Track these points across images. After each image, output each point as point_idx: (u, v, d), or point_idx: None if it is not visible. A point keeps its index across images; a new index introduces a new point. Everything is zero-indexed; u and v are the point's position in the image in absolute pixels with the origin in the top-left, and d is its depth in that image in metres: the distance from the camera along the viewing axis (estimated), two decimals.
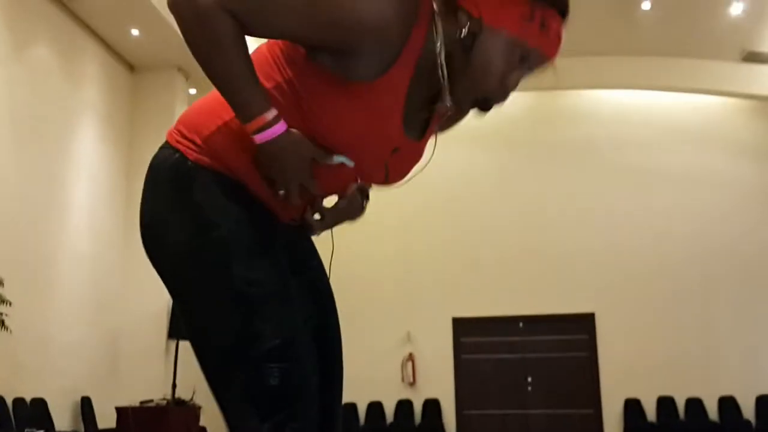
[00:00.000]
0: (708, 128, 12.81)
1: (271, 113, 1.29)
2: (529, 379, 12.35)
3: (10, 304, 7.20)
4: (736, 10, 11.50)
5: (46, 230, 9.06)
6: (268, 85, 1.35)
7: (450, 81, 1.38)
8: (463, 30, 1.34)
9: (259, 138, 1.30)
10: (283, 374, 1.28)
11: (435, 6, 1.36)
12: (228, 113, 1.36)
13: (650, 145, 12.82)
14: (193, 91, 11.87)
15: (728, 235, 12.44)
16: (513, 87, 1.43)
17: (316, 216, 1.53)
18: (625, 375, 12.27)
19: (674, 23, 12.14)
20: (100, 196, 10.37)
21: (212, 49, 1.25)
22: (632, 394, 12.32)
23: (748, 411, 12.05)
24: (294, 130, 1.32)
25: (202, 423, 11.53)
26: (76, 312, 9.52)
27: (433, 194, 13.60)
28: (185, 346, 10.64)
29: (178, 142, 1.43)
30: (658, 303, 12.28)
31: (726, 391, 12.15)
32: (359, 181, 1.51)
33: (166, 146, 1.46)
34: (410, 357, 13.07)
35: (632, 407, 12.28)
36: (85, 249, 9.89)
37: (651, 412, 12.30)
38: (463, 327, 13.00)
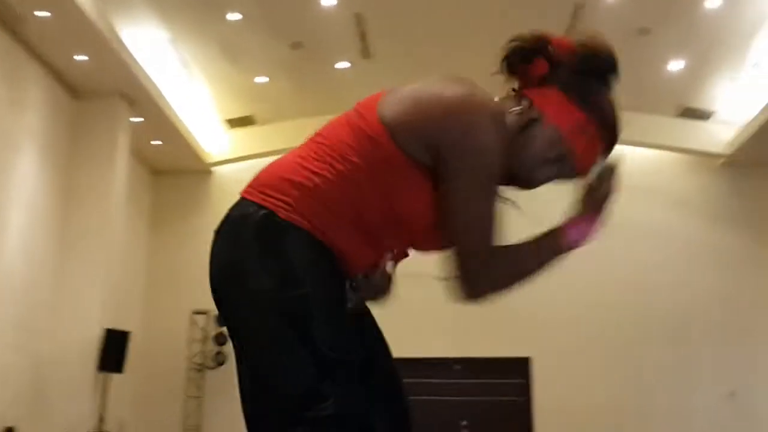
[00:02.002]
0: (644, 180, 13.13)
1: (564, 237, 1.60)
2: (464, 422, 12.33)
3: None
4: (675, 66, 11.92)
5: None
6: (346, 161, 1.53)
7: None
8: (522, 109, 1.52)
9: (574, 245, 1.63)
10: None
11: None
12: (315, 178, 1.51)
13: None
14: (137, 119, 11.74)
15: (662, 283, 12.71)
16: (537, 180, 1.59)
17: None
18: (559, 420, 12.34)
19: None
20: (37, 221, 10.11)
21: (517, 279, 1.54)
22: None
23: None
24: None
25: None
26: (2, 336, 9.20)
27: None
28: (116, 379, 10.39)
29: (264, 200, 1.52)
30: (593, 349, 12.44)
31: None
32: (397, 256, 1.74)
33: (248, 203, 1.55)
34: None
35: None
36: (18, 273, 9.60)
37: None
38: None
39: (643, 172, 13.28)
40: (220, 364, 12.75)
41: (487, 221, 1.49)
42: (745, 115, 12.42)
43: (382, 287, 1.74)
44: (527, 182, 1.60)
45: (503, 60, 1.56)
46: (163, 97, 11.60)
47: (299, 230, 1.48)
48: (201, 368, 12.84)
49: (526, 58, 1.54)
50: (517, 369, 12.48)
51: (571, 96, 1.54)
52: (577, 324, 12.56)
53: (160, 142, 12.76)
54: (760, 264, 13.01)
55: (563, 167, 1.57)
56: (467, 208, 1.47)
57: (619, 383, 12.23)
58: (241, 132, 13.78)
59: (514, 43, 1.54)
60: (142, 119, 11.75)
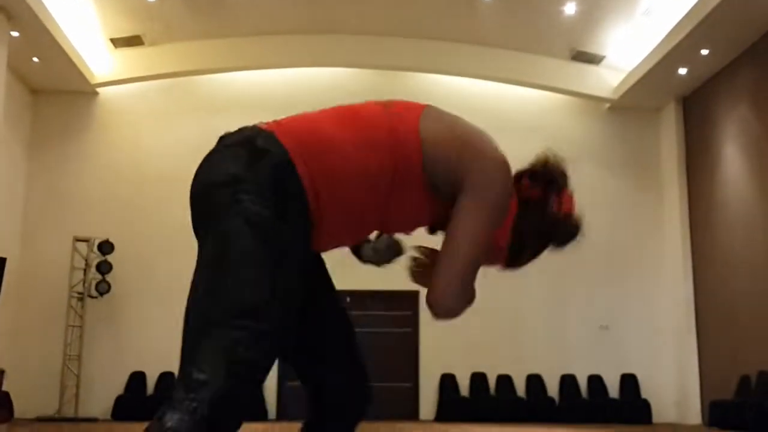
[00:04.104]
0: (534, 121, 13.44)
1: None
2: None
3: None
4: (569, 9, 12.11)
5: None
6: (375, 160, 1.64)
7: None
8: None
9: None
10: (253, 353, 1.48)
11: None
12: (342, 156, 1.63)
13: None
14: (15, 33, 11.02)
15: None
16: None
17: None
18: (443, 351, 12.77)
19: (511, 17, 12.63)
20: None
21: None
22: (448, 370, 12.86)
23: (553, 389, 12.95)
24: None
25: (5, 388, 10.85)
26: None
27: None
28: None
29: (292, 148, 1.60)
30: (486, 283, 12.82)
31: (533, 370, 12.96)
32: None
33: (276, 140, 1.61)
34: None
35: (448, 381, 12.81)
36: None
37: (465, 387, 12.91)
38: None
39: (531, 113, 13.59)
40: (103, 293, 12.43)
41: (481, 255, 1.70)
42: (632, 62, 12.83)
43: (396, 249, 1.95)
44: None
45: (532, 165, 1.81)
46: (45, 11, 10.89)
47: (306, 193, 1.59)
48: (82, 297, 12.49)
49: (535, 179, 1.80)
50: (406, 302, 12.73)
51: (517, 229, 1.79)
52: None
53: (39, 60, 12.04)
54: (638, 207, 13.66)
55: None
56: (474, 241, 1.67)
57: (499, 320, 12.67)
58: (128, 52, 13.16)
59: (541, 167, 1.80)
60: (19, 34, 11.03)
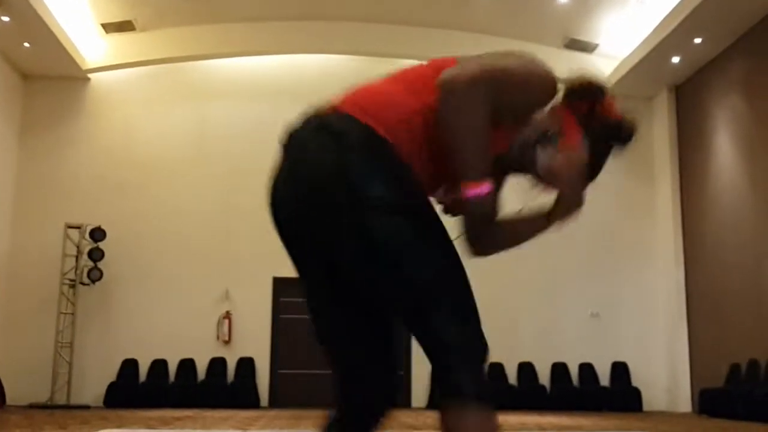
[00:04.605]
0: None
1: (487, 181, 1.65)
2: None
3: None
4: None
5: None
6: (416, 104, 1.68)
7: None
8: (550, 130, 1.82)
9: (471, 194, 1.63)
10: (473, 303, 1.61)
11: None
12: (408, 115, 1.67)
13: None
14: (5, 18, 10.94)
15: None
16: (528, 167, 1.87)
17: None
18: None
19: (504, 4, 12.61)
20: None
21: (473, 121, 1.61)
22: None
23: (544, 377, 13.03)
24: (490, 193, 1.67)
25: None
26: None
27: (259, 153, 13.37)
28: None
29: (362, 117, 1.65)
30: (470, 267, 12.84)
31: (525, 358, 13.02)
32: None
33: (346, 116, 1.66)
34: (227, 315, 12.92)
35: None
36: None
37: None
38: (283, 287, 13.00)
39: None
40: (95, 280, 12.40)
41: (503, 79, 1.68)
42: (625, 50, 12.82)
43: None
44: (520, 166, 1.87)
45: (567, 84, 1.86)
46: None
47: (393, 148, 1.63)
48: (74, 284, 12.46)
49: (578, 95, 1.83)
50: None
51: (588, 139, 1.84)
52: None
53: (30, 45, 11.96)
54: (630, 195, 13.68)
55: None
56: (502, 60, 1.71)
57: (490, 306, 12.69)
58: (120, 38, 13.08)
59: (579, 81, 1.85)
60: (10, 19, 10.95)
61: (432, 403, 12.46)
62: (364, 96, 1.73)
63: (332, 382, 1.79)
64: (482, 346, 1.57)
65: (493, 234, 1.91)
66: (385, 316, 1.76)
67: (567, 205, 1.84)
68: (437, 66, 1.73)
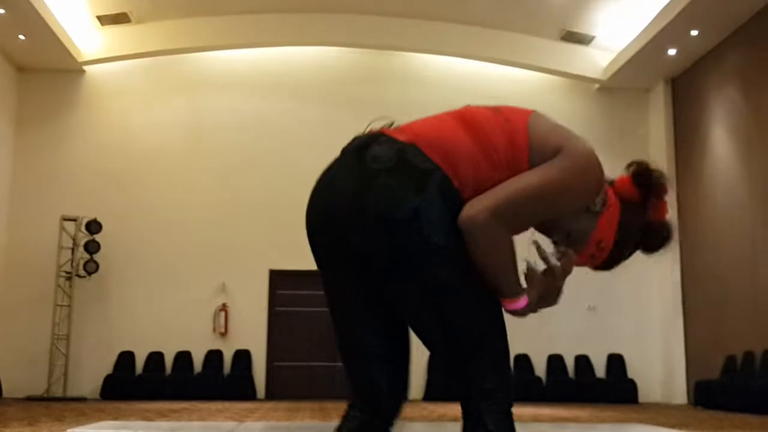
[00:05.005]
0: (523, 101, 13.03)
1: (523, 294, 1.71)
2: None
3: None
4: None
5: None
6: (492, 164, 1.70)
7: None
8: (594, 206, 1.80)
9: (510, 308, 1.73)
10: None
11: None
12: (473, 164, 1.68)
13: None
14: (1, 11, 10.90)
15: None
16: (554, 239, 1.87)
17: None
18: None
19: None
20: None
21: (499, 254, 1.65)
22: None
23: (540, 369, 13.09)
24: (530, 301, 1.74)
25: None
26: None
27: (255, 146, 13.42)
28: None
29: (436, 157, 1.66)
30: None
31: (521, 350, 13.06)
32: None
33: (420, 154, 1.66)
34: (223, 307, 12.92)
35: (436, 362, 12.87)
36: None
37: None
38: (280, 279, 13.01)
39: (521, 94, 13.53)
40: (91, 272, 12.39)
41: (536, 206, 1.70)
42: (622, 42, 12.82)
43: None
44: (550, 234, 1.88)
45: (633, 167, 1.86)
46: None
47: (461, 203, 1.65)
48: (70, 276, 12.45)
49: (639, 182, 1.83)
50: None
51: (621, 229, 1.84)
52: None
53: (26, 38, 11.92)
54: None
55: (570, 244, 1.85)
56: (535, 185, 1.67)
57: None
58: (115, 30, 13.04)
59: (646, 170, 1.83)
60: (5, 11, 10.91)
61: (428, 395, 12.49)
62: (444, 140, 1.72)
63: (349, 379, 1.82)
64: (512, 394, 1.70)
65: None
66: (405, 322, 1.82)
67: (554, 295, 1.82)
68: (507, 119, 1.76)
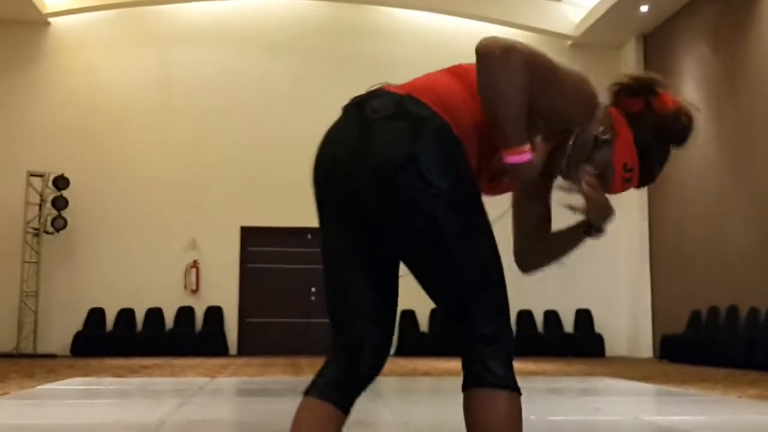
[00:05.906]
0: None
1: (528, 146, 1.69)
2: (313, 290, 12.63)
3: None
4: None
5: None
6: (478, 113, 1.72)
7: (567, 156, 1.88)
8: (603, 134, 1.84)
9: (512, 161, 1.68)
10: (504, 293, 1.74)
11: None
12: (479, 116, 1.72)
13: None
14: None
15: None
16: (578, 178, 1.89)
17: None
18: (403, 288, 12.80)
19: None
20: None
21: (515, 92, 1.65)
22: (408, 306, 12.99)
23: (568, 324, 13.38)
24: (533, 160, 1.72)
25: None
26: None
27: (226, 101, 13.23)
28: None
29: (439, 110, 1.69)
30: None
31: (550, 306, 13.37)
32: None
33: (421, 104, 1.69)
34: (194, 264, 12.87)
35: (408, 317, 12.99)
36: None
37: (424, 323, 13.14)
38: (251, 236, 12.96)
39: None
40: (59, 229, 12.25)
41: (537, 66, 1.72)
42: None
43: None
44: (567, 174, 1.92)
45: (616, 85, 1.89)
46: None
47: (464, 148, 1.69)
48: (38, 233, 12.29)
49: (631, 93, 1.86)
50: None
51: (638, 144, 1.87)
52: None
53: None
54: None
55: (602, 182, 1.88)
56: (540, 61, 1.73)
57: None
58: None
59: (630, 80, 1.88)
60: None
61: (400, 351, 12.60)
62: (438, 90, 1.75)
63: (334, 337, 1.79)
64: (513, 339, 1.70)
65: (536, 250, 2.11)
66: (395, 273, 1.87)
67: (601, 210, 1.90)
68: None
